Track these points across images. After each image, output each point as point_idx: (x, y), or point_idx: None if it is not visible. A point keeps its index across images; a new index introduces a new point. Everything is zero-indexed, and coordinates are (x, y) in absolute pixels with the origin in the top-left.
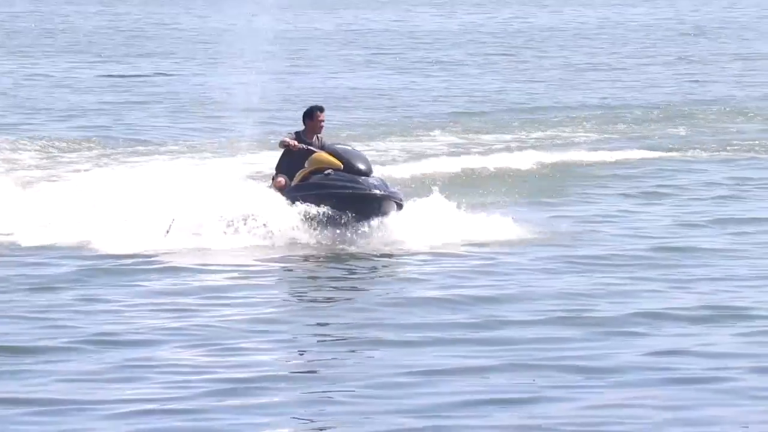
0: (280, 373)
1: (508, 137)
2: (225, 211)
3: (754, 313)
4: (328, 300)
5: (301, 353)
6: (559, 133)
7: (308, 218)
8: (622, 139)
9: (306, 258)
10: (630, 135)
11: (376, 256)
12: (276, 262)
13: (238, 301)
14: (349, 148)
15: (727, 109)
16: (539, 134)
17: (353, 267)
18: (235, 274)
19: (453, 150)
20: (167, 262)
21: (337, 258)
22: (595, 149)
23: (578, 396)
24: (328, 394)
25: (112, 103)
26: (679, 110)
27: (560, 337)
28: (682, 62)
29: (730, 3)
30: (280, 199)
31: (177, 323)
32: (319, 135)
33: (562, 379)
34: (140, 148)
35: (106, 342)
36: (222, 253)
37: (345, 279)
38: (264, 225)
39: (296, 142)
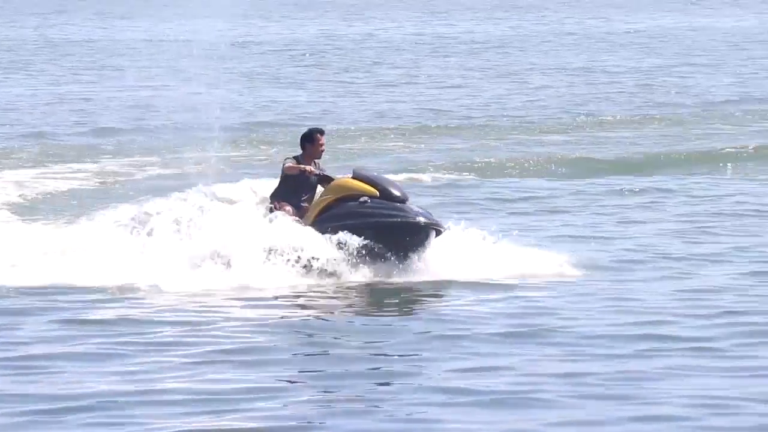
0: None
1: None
2: (256, 243)
3: None
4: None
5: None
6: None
7: (349, 250)
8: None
9: (345, 294)
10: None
11: (418, 288)
12: (311, 298)
13: (268, 341)
14: (375, 173)
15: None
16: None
17: (400, 301)
18: (268, 312)
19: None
20: (198, 299)
21: (381, 293)
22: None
23: None
24: None
25: None
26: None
27: None
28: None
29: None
30: (310, 230)
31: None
32: (317, 160)
33: None
34: None
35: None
36: (254, 289)
37: (391, 314)
38: (298, 259)
39: (312, 168)
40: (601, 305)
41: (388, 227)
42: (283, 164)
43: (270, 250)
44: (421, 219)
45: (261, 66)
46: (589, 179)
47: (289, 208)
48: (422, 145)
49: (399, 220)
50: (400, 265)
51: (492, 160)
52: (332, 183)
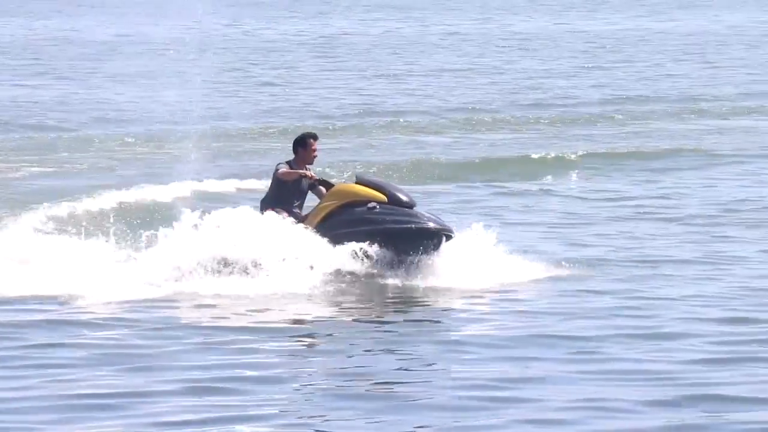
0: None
1: None
2: (266, 251)
3: None
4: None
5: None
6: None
7: (361, 257)
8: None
9: (362, 301)
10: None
11: (435, 294)
12: (322, 306)
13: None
14: (379, 179)
15: None
16: None
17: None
18: (281, 319)
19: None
20: (216, 304)
21: (398, 299)
22: None
23: None
24: None
25: None
26: None
27: None
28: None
29: None
30: (317, 237)
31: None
32: (309, 166)
33: None
34: None
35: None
36: (265, 297)
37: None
38: (311, 267)
39: (312, 173)
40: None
41: (401, 234)
42: (276, 169)
43: (290, 257)
44: (433, 224)
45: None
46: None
47: (285, 214)
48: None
49: (413, 226)
50: (408, 271)
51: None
52: (336, 188)
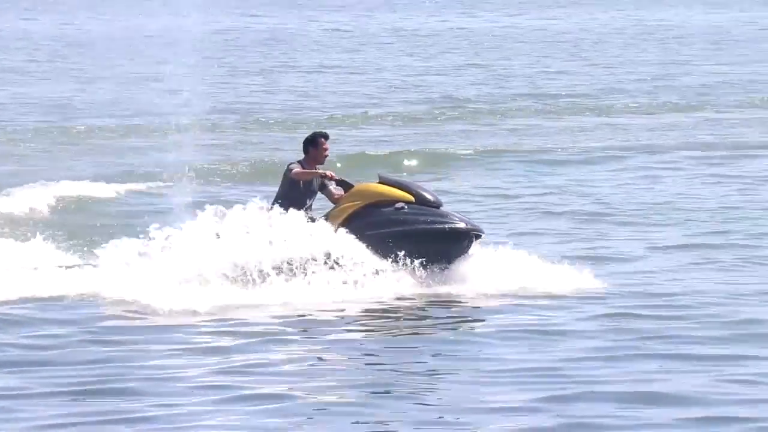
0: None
1: None
2: (303, 254)
3: None
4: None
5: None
6: None
7: (396, 259)
8: None
9: (393, 305)
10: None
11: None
12: (359, 309)
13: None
14: (401, 178)
15: None
16: None
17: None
18: (312, 324)
19: None
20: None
21: (430, 303)
22: None
23: None
24: None
25: None
26: None
27: None
28: None
29: None
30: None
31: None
32: (320, 165)
33: None
34: None
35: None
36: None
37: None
38: (351, 269)
39: (332, 173)
40: None
41: (435, 235)
42: (288, 170)
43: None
44: (464, 225)
45: None
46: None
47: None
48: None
49: (447, 227)
50: (439, 272)
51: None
52: (359, 188)
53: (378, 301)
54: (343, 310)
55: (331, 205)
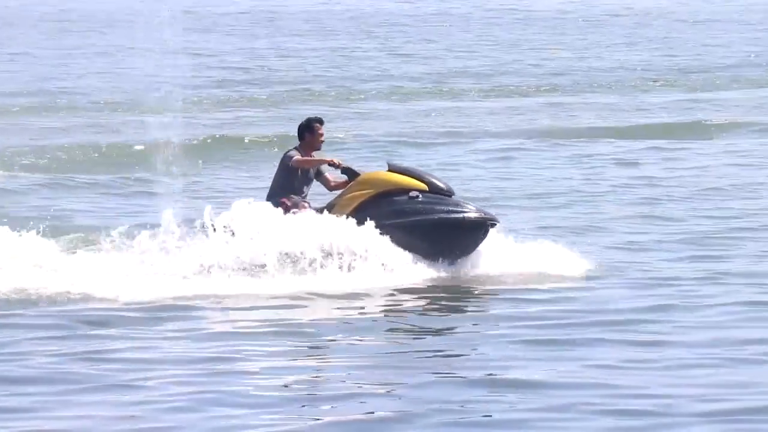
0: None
1: None
2: (320, 246)
3: None
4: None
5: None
6: None
7: (414, 249)
8: None
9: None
10: None
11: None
12: (378, 301)
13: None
14: (411, 166)
15: None
16: None
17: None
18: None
19: None
20: (268, 294)
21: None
22: None
23: None
24: None
25: None
26: None
27: None
28: None
29: None
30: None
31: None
32: (316, 152)
33: None
34: None
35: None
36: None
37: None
38: (366, 260)
39: (340, 160)
40: None
41: (453, 224)
42: (286, 157)
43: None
44: (479, 214)
45: None
46: None
47: (305, 204)
48: None
49: (464, 216)
50: (454, 263)
51: None
52: (368, 176)
53: (405, 288)
54: (370, 296)
55: (328, 192)
